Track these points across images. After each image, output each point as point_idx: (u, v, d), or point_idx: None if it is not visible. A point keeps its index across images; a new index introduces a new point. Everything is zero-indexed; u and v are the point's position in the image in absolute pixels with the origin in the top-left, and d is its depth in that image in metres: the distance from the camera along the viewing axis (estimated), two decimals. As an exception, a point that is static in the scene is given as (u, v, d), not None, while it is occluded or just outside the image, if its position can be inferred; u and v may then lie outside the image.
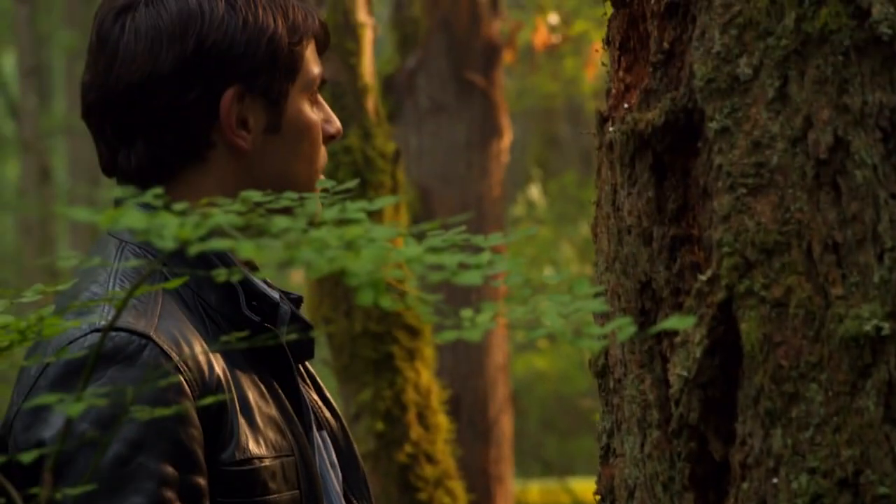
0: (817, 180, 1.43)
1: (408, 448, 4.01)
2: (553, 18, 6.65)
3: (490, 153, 5.55)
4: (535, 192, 9.99)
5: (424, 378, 4.05)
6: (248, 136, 1.77)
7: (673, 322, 1.27)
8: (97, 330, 1.59)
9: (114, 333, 1.58)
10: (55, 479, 1.53)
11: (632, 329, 1.24)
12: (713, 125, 1.49)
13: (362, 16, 3.95)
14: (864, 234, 1.40)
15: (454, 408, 5.00)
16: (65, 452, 1.55)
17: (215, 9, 1.75)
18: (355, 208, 1.27)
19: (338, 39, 3.74)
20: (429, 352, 4.05)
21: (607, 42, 1.70)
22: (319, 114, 1.84)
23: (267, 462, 1.67)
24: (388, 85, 5.32)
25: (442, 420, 4.10)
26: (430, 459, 4.04)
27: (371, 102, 3.72)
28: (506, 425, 5.47)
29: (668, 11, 1.57)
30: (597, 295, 1.63)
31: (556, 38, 6.67)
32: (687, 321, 1.20)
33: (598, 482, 1.60)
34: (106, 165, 1.78)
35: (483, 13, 5.51)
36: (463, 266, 1.30)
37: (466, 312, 1.28)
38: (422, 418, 4.03)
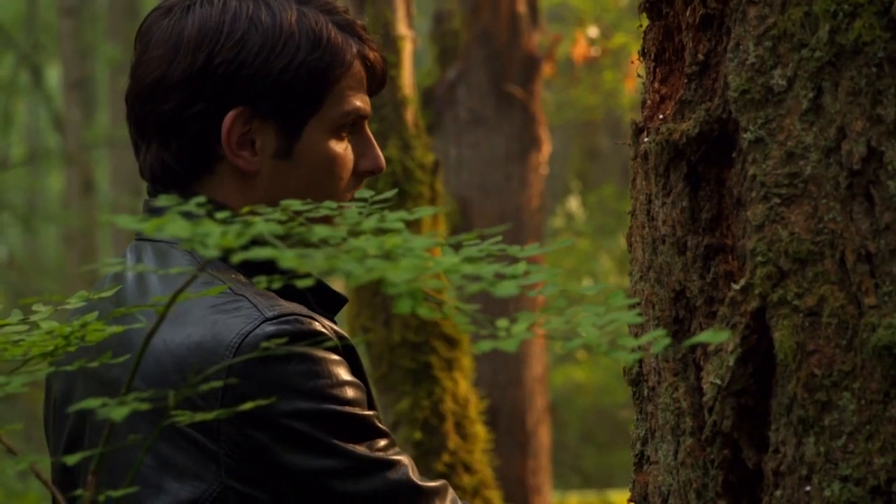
0: (850, 190, 1.44)
1: (445, 457, 4.03)
2: (593, 31, 6.66)
3: (529, 165, 5.57)
4: (574, 203, 9.99)
5: (462, 388, 4.06)
6: (253, 158, 1.75)
7: (707, 336, 1.29)
8: (269, 319, 1.62)
9: (290, 317, 1.62)
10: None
11: (666, 341, 1.25)
12: (747, 136, 1.51)
13: (402, 28, 3.98)
14: (896, 244, 1.41)
15: (492, 418, 5.02)
16: (334, 418, 1.62)
17: (236, 29, 1.74)
18: (394, 218, 1.29)
19: (378, 52, 3.77)
20: (467, 362, 4.07)
21: (643, 54, 1.72)
22: (347, 146, 1.80)
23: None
24: (428, 97, 5.34)
25: (480, 430, 4.12)
26: (468, 469, 4.06)
27: (410, 114, 3.74)
28: (543, 436, 5.48)
29: (704, 23, 1.59)
30: (632, 307, 1.65)
31: (595, 51, 6.68)
32: (721, 335, 1.21)
33: (632, 489, 1.61)
34: (139, 166, 1.81)
35: (522, 26, 5.53)
36: (499, 276, 1.32)
37: (503, 322, 1.29)
38: (459, 428, 4.05)
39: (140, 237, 1.81)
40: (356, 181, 1.82)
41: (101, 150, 15.99)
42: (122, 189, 14.38)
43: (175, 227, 1.12)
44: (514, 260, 1.34)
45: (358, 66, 1.79)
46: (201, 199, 1.24)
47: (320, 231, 1.26)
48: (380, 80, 1.83)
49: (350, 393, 1.63)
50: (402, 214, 1.32)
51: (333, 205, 1.40)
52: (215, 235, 1.14)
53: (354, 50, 1.78)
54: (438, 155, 4.37)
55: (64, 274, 13.90)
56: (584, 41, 6.53)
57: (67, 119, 14.10)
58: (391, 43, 3.86)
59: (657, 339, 1.27)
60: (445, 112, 5.40)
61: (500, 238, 1.40)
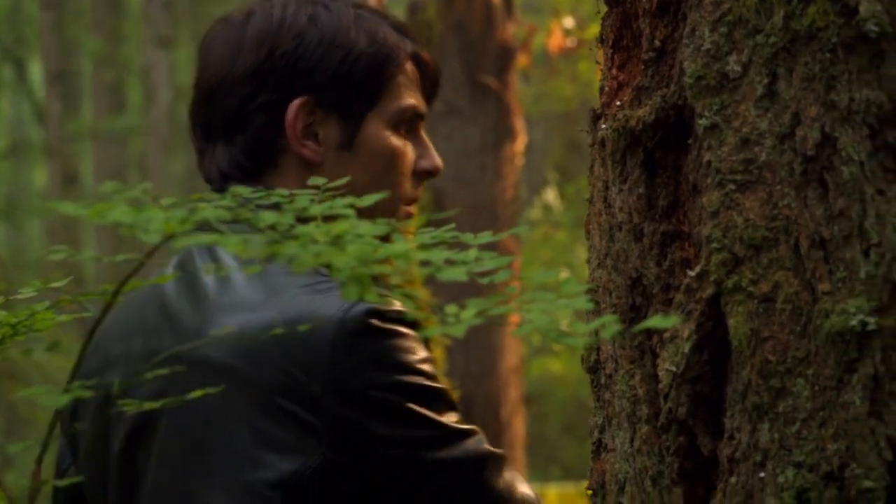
0: (805, 177, 1.44)
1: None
2: (568, 22, 6.65)
3: (504, 156, 5.56)
4: (551, 195, 9.99)
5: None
6: (318, 148, 1.82)
7: (657, 321, 1.28)
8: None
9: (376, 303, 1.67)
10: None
11: (616, 327, 1.25)
12: (703, 122, 1.50)
13: (372, 18, 3.97)
14: (850, 230, 1.41)
15: (466, 409, 5.01)
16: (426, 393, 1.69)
17: (296, 23, 1.82)
18: (342, 204, 1.29)
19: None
20: (437, 352, 4.06)
21: (601, 41, 1.71)
22: (407, 143, 1.86)
23: None
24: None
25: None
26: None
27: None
28: (518, 427, 5.48)
29: (660, 9, 1.59)
30: (587, 292, 1.64)
31: (571, 42, 6.67)
32: (671, 320, 1.21)
33: (590, 477, 1.61)
34: (202, 173, 1.87)
35: (497, 17, 5.52)
36: (449, 262, 1.31)
37: (451, 308, 1.29)
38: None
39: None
40: (416, 181, 1.88)
41: (85, 143, 15.94)
42: (105, 182, 14.34)
43: (117, 212, 1.11)
44: (489, 249, 1.34)
45: (412, 65, 1.87)
46: (146, 185, 1.23)
47: (267, 217, 1.26)
48: (433, 82, 1.90)
49: (432, 368, 1.71)
50: (352, 200, 1.31)
51: (285, 192, 1.39)
52: (158, 221, 1.13)
53: (409, 49, 1.86)
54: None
55: (43, 267, 13.86)
56: (559, 32, 6.52)
57: (49, 112, 14.07)
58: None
59: (608, 324, 1.26)
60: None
61: (453, 225, 1.39)
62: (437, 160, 1.91)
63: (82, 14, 15.79)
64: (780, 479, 1.41)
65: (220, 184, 1.83)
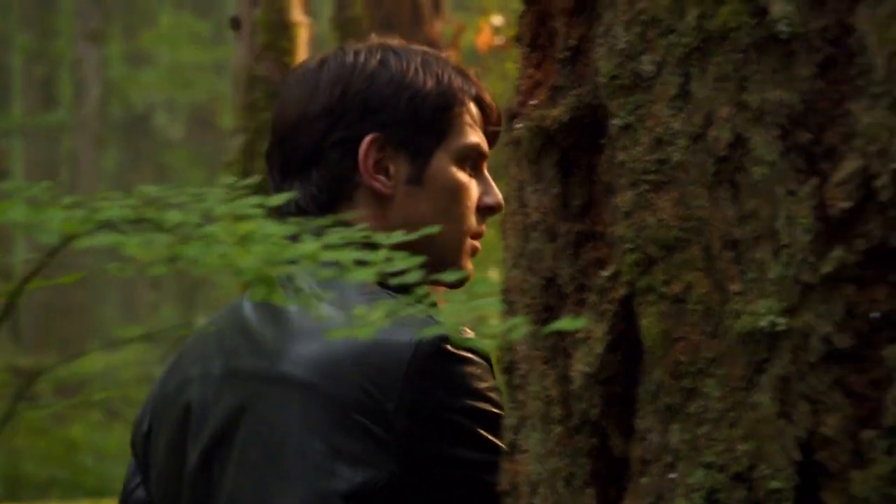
0: (717, 177, 1.44)
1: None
2: (497, 20, 6.66)
3: (432, 153, 5.54)
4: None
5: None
6: (389, 182, 1.96)
7: (566, 323, 1.28)
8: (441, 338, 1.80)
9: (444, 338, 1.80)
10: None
11: (525, 328, 1.24)
12: (617, 122, 1.50)
13: (297, 15, 3.95)
14: (761, 231, 1.41)
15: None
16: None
17: (367, 65, 1.98)
18: (249, 204, 1.27)
19: (273, 38, 3.74)
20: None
21: (518, 39, 1.70)
22: (472, 180, 2.00)
23: None
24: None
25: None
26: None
27: (306, 102, 3.72)
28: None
29: (576, 8, 1.58)
30: (502, 293, 1.64)
31: (499, 40, 6.68)
32: (579, 322, 1.21)
33: (503, 478, 1.60)
34: (279, 211, 1.99)
35: (425, 14, 5.51)
36: (359, 263, 1.30)
37: (360, 310, 1.28)
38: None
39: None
40: (480, 217, 2.02)
41: (15, 139, 15.77)
42: (36, 179, 14.21)
43: (13, 212, 1.08)
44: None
45: (475, 107, 2.02)
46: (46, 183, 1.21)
47: (173, 217, 1.24)
48: (495, 123, 2.04)
49: (498, 396, 1.82)
50: (260, 199, 1.29)
51: (194, 191, 1.38)
52: (56, 220, 1.10)
53: (472, 92, 2.02)
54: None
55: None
56: (488, 30, 6.53)
57: (-23, 107, 13.90)
58: (285, 29, 3.83)
59: (517, 326, 1.26)
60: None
61: (366, 225, 1.38)
62: (500, 197, 2.02)
63: (12, 9, 15.63)
64: (690, 479, 1.40)
65: (294, 217, 1.94)
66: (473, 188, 2.01)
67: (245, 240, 1.21)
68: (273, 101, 3.89)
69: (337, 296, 1.73)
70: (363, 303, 1.73)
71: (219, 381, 1.88)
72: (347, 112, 1.96)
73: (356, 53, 2.00)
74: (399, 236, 1.39)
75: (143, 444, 1.98)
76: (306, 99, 1.97)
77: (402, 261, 1.31)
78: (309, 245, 1.27)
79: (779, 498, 1.36)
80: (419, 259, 1.31)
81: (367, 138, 1.95)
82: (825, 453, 1.36)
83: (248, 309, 1.92)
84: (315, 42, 4.05)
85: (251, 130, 4.13)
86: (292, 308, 1.85)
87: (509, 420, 1.61)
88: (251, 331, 1.89)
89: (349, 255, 1.28)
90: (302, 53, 3.89)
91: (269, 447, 1.80)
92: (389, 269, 1.29)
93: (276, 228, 1.18)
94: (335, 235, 1.32)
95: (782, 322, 1.39)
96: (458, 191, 1.99)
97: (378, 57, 1.99)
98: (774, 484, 1.36)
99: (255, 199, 1.27)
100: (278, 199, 1.29)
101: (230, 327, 1.92)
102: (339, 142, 1.95)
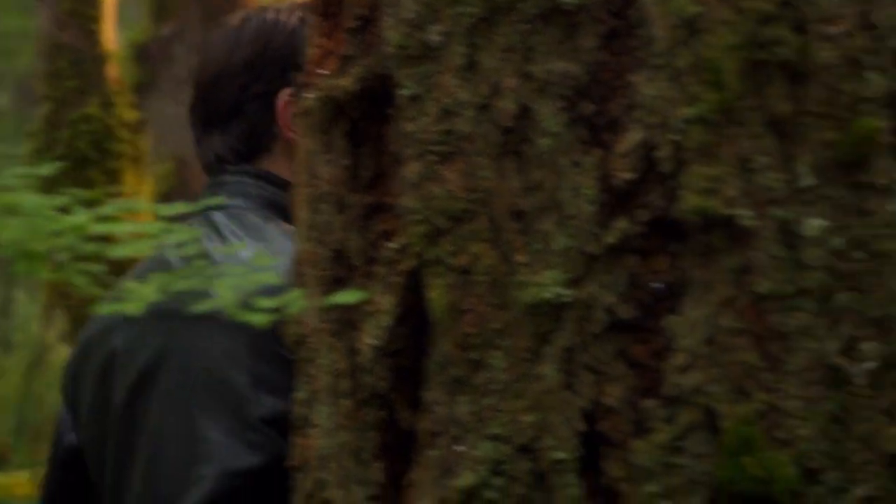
0: (503, 148, 1.43)
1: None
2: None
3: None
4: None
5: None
6: None
7: (347, 296, 1.26)
8: None
9: None
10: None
11: (302, 303, 1.22)
12: (404, 92, 1.48)
13: (102, -19, 3.85)
14: (546, 202, 1.41)
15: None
16: None
17: (288, 22, 2.06)
18: (13, 174, 1.22)
19: (76, 5, 3.64)
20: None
21: (310, 8, 1.67)
22: None
23: None
24: (143, 54, 5.19)
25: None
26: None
27: (113, 70, 3.63)
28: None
29: (366, -23, 1.56)
30: (293, 265, 1.61)
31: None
32: (360, 294, 1.19)
33: (294, 453, 1.58)
34: (200, 161, 2.07)
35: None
36: (134, 236, 1.26)
37: (131, 284, 1.24)
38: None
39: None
40: None
41: None
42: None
43: None
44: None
45: None
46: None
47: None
48: None
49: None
50: (24, 171, 1.24)
51: None
52: None
53: None
54: (155, 113, 4.25)
55: None
56: None
57: None
58: (90, -4, 3.74)
59: (293, 300, 1.24)
60: (162, 70, 5.26)
61: (133, 197, 1.34)
62: None
63: None
64: (477, 451, 1.40)
65: (215, 167, 2.03)
66: None
67: (8, 212, 1.16)
68: (78, 68, 3.82)
69: (266, 246, 1.85)
70: (288, 242, 1.82)
71: (142, 323, 1.89)
72: (268, 66, 2.03)
73: (277, 12, 2.08)
74: (182, 206, 1.35)
75: (71, 388, 2.02)
76: (228, 54, 2.05)
77: (181, 233, 1.28)
78: (79, 217, 1.22)
79: (562, 469, 1.36)
80: (197, 231, 1.28)
81: (286, 91, 2.02)
82: (608, 423, 1.36)
83: (171, 253, 1.94)
84: (120, 8, 3.95)
85: (55, 99, 4.01)
86: (217, 253, 1.89)
87: (300, 394, 1.59)
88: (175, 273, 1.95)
89: (122, 228, 1.24)
90: (109, 20, 3.79)
91: (195, 381, 1.85)
92: (164, 241, 1.26)
93: (36, 201, 1.14)
94: (109, 207, 1.28)
95: (567, 293, 1.39)
96: None
97: (299, 15, 2.07)
98: (558, 455, 1.36)
99: (19, 171, 1.22)
100: (48, 170, 1.24)
101: (153, 273, 1.93)
102: (259, 95, 2.03)
